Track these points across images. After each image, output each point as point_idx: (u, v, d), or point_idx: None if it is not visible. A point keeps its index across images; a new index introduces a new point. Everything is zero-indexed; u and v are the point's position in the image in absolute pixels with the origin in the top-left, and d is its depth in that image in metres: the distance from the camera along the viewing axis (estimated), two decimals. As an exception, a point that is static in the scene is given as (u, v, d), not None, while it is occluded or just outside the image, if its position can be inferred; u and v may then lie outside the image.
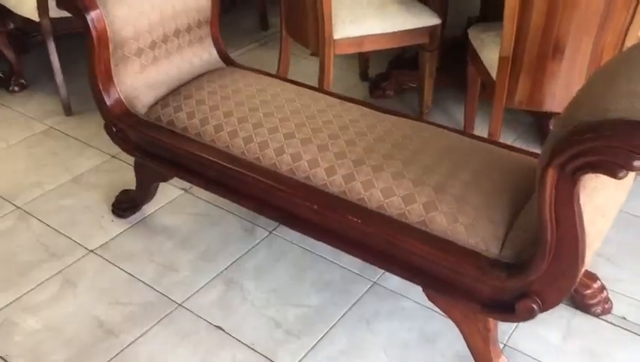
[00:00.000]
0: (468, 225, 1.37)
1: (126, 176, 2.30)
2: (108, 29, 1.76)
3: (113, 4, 1.75)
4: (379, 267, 1.52)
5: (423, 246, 1.39)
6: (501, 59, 1.90)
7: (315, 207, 1.52)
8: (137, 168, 1.99)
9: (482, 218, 1.38)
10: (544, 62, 1.86)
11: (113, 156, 2.43)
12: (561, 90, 1.90)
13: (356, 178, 1.51)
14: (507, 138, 2.49)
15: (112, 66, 1.82)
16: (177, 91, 1.89)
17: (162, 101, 1.86)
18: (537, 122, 2.57)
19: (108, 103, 1.83)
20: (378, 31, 2.35)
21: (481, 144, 1.64)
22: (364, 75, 2.98)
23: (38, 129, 2.64)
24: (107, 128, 1.91)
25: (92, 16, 1.72)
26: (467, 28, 3.20)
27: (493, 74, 2.00)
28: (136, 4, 1.80)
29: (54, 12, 2.51)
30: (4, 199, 2.22)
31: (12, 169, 2.39)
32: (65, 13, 2.52)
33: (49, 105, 2.79)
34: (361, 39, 2.35)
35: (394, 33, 2.37)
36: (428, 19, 2.40)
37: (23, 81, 2.91)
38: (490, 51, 2.08)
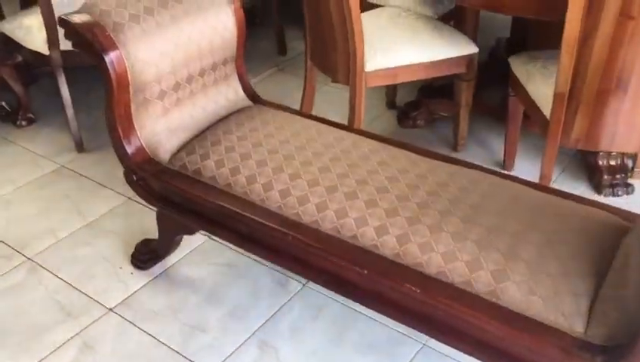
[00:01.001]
0: (545, 297, 1.21)
1: (144, 221, 2.14)
2: (128, 72, 1.60)
3: (134, 45, 1.60)
4: (438, 340, 1.35)
5: (493, 322, 1.22)
6: (557, 95, 1.73)
7: (365, 271, 1.35)
8: (160, 219, 1.83)
9: (561, 289, 1.21)
10: (605, 98, 1.70)
11: (129, 198, 2.27)
12: (624, 129, 1.74)
13: (412, 239, 1.34)
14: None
15: (133, 110, 1.66)
16: (203, 136, 1.73)
17: (187, 147, 1.70)
18: (581, 154, 2.40)
19: (128, 151, 1.67)
20: (413, 61, 2.19)
21: (547, 196, 1.47)
22: (391, 104, 2.81)
23: (49, 168, 2.48)
24: (127, 176, 1.75)
25: (111, 57, 1.56)
26: (495, 49, 3.08)
27: (545, 110, 1.84)
28: (159, 44, 1.64)
29: (65, 44, 2.36)
30: (13, 249, 2.06)
31: (21, 214, 2.23)
32: (76, 46, 2.42)
33: (59, 141, 2.64)
34: (394, 70, 2.19)
35: (430, 63, 2.21)
36: (465, 48, 2.25)
37: (30, 115, 2.76)
38: (539, 85, 1.92)
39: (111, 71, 1.57)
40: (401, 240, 1.35)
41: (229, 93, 1.90)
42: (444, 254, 1.30)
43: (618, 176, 2.21)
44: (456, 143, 2.49)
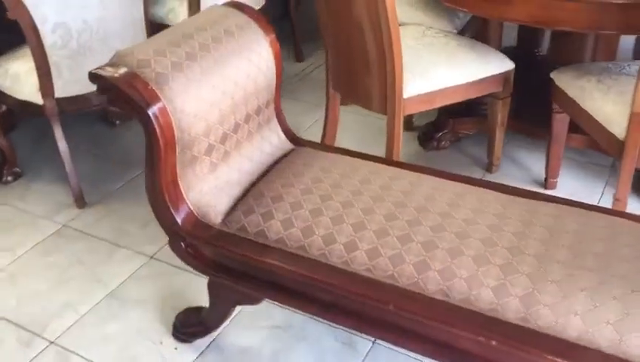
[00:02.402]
0: None
1: (174, 283, 1.91)
2: (175, 128, 1.39)
3: (180, 97, 1.38)
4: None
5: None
6: (634, 115, 1.62)
7: (494, 342, 1.18)
8: (213, 287, 1.61)
9: None
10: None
11: (151, 257, 2.04)
12: None
13: (539, 298, 1.19)
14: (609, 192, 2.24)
15: (179, 171, 1.45)
16: (258, 191, 1.53)
17: (243, 206, 1.50)
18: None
19: (178, 219, 1.45)
20: (451, 83, 2.04)
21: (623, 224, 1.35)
22: (408, 125, 2.66)
23: (49, 229, 2.20)
24: (173, 244, 1.53)
25: (157, 113, 1.34)
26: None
27: (615, 129, 1.72)
28: (205, 93, 1.43)
29: (60, 91, 2.10)
30: (32, 333, 1.79)
31: (31, 289, 1.95)
32: (72, 92, 2.17)
33: (54, 197, 2.36)
34: (432, 95, 2.04)
35: (469, 84, 2.07)
36: (502, 64, 2.12)
37: (17, 169, 2.47)
38: (601, 103, 1.80)
39: (157, 129, 1.35)
40: (527, 303, 1.19)
41: (273, 138, 1.71)
42: (584, 315, 1.15)
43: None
44: (491, 164, 2.36)
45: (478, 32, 2.43)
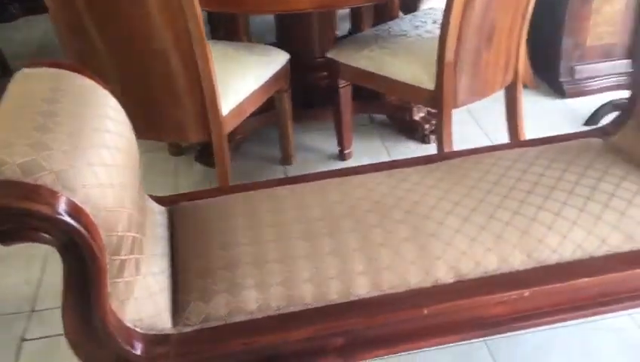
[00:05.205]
0: None
1: None
2: (100, 229, 1.01)
3: (95, 191, 1.00)
4: None
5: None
6: (447, 65, 1.81)
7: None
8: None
9: None
10: (479, 56, 1.87)
11: None
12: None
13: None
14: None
15: (110, 287, 1.06)
16: (196, 269, 1.23)
17: (191, 293, 1.19)
18: (392, 119, 2.55)
19: (133, 350, 1.08)
20: (254, 88, 1.95)
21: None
22: (178, 150, 2.44)
23: None
24: (122, 384, 1.13)
25: (81, 220, 0.95)
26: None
27: (423, 83, 1.90)
28: (117, 175, 1.07)
29: None
30: None
31: None
32: None
33: None
34: (242, 106, 1.92)
35: (265, 84, 2.01)
36: (281, 57, 2.11)
37: None
38: (399, 64, 1.95)
39: (87, 240, 0.96)
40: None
41: (152, 205, 1.38)
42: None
43: (429, 124, 2.47)
44: (288, 156, 2.35)
45: (228, 32, 2.35)
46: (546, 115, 2.62)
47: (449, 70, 1.82)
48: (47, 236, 0.94)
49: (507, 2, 1.81)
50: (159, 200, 1.46)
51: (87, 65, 1.76)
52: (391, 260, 1.24)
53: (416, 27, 2.13)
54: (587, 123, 2.54)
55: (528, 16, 1.95)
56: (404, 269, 1.23)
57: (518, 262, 1.25)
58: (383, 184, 1.43)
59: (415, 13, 2.30)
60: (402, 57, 1.97)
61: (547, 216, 1.29)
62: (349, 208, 1.34)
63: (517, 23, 1.91)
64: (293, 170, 2.34)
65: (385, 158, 2.38)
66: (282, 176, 2.31)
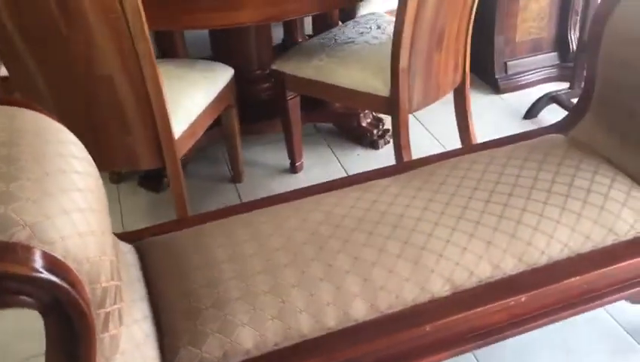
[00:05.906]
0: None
1: None
2: (86, 286, 0.90)
3: (71, 241, 0.89)
4: None
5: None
6: (402, 70, 1.78)
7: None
8: None
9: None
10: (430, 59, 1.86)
11: None
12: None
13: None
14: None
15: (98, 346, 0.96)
16: (182, 311, 1.14)
17: (180, 338, 1.10)
18: (338, 126, 2.51)
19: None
20: (203, 106, 1.86)
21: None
22: (117, 178, 2.30)
23: None
24: None
25: (67, 278, 0.85)
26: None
27: (377, 90, 1.87)
28: (93, 218, 0.96)
29: None
30: None
31: None
32: None
33: None
34: (194, 126, 1.82)
35: (214, 101, 1.92)
36: (226, 73, 2.02)
37: None
38: (350, 73, 1.91)
39: (72, 292, 0.85)
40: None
41: (122, 246, 1.27)
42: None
43: (377, 129, 2.46)
44: (238, 173, 2.27)
45: (165, 49, 2.23)
46: (485, 112, 2.67)
47: (404, 75, 1.80)
48: (27, 299, 0.83)
49: (455, 6, 1.82)
50: (123, 237, 1.35)
51: (24, 95, 1.61)
52: (385, 279, 1.20)
53: (362, 34, 2.10)
54: (526, 117, 2.61)
55: (472, 17, 1.97)
56: (400, 286, 1.20)
57: (510, 266, 1.25)
58: (361, 199, 1.38)
59: (356, 19, 2.27)
60: (353, 65, 1.94)
61: (532, 217, 1.30)
62: (334, 228, 1.29)
63: (463, 24, 1.93)
64: (244, 188, 2.26)
65: (337, 167, 2.34)
66: (235, 194, 2.23)
